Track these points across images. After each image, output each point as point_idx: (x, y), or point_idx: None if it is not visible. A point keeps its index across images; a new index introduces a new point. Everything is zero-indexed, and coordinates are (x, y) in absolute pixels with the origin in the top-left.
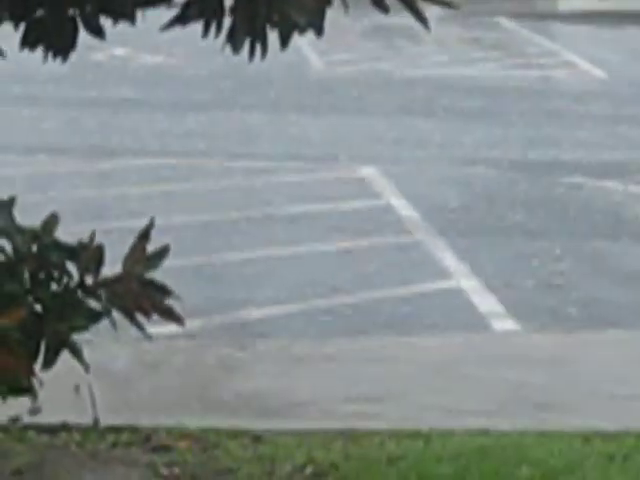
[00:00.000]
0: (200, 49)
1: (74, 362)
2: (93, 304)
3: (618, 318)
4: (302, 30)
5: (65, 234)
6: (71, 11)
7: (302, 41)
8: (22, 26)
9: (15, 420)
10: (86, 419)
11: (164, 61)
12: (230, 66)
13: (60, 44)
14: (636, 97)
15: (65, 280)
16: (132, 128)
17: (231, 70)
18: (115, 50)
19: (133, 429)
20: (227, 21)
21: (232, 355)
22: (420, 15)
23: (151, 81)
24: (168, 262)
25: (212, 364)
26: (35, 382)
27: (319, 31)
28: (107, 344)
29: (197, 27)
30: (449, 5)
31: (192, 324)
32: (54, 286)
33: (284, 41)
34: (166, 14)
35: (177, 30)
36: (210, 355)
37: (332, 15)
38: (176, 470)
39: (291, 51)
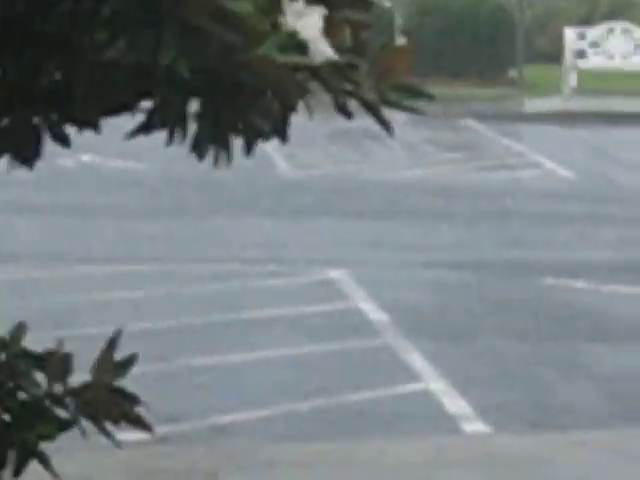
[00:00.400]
0: (168, 155)
1: (43, 470)
2: (61, 412)
3: (589, 420)
4: (267, 137)
5: (32, 342)
6: (36, 120)
7: (268, 145)
8: None
9: None
10: None
11: (132, 167)
12: (197, 171)
13: (26, 153)
14: (603, 196)
15: (33, 389)
16: (99, 234)
17: (198, 175)
18: (82, 156)
19: None
20: (192, 128)
21: (202, 461)
22: (384, 121)
23: (119, 187)
24: (137, 368)
25: (182, 470)
26: None
27: (283, 138)
28: (76, 451)
29: (164, 133)
30: (413, 110)
31: (161, 430)
32: (22, 395)
33: (249, 148)
34: (133, 120)
35: (145, 136)
36: (180, 461)
37: (296, 118)
38: None
39: (258, 155)
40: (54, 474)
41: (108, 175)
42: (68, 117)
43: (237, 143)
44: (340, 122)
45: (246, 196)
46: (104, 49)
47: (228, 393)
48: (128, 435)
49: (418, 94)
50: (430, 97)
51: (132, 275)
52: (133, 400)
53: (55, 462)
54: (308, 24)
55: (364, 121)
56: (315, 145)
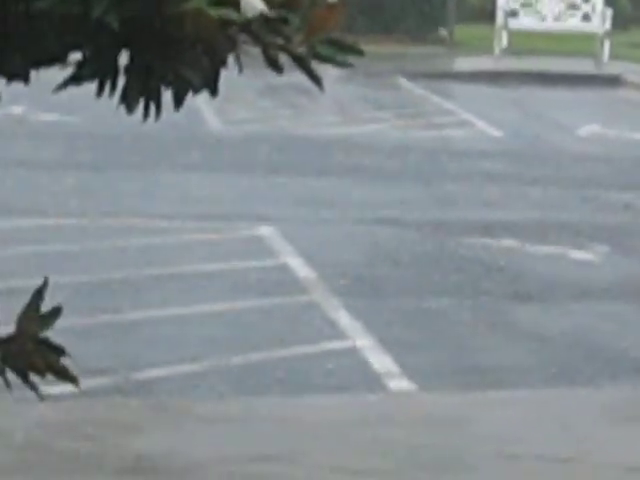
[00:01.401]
0: (99, 108)
1: None
2: None
3: (516, 378)
4: (196, 90)
5: None
6: None
7: (199, 100)
8: None
9: None
10: None
11: (62, 120)
12: (128, 125)
13: None
14: (532, 156)
15: None
16: (28, 188)
17: (129, 129)
18: (11, 108)
19: None
20: (122, 80)
21: (132, 415)
22: (314, 76)
23: (49, 140)
24: (64, 321)
25: (112, 424)
26: None
27: (214, 92)
28: (2, 403)
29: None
30: (343, 64)
31: (90, 383)
32: None
33: (178, 101)
34: (63, 73)
35: (77, 89)
36: (109, 416)
37: (227, 73)
38: None
39: (188, 110)
40: None
41: (38, 128)
42: None
43: (167, 97)
44: (272, 77)
45: (176, 151)
46: (34, 0)
47: (157, 348)
48: (55, 388)
49: (348, 49)
50: (360, 52)
51: (63, 228)
52: (59, 351)
53: None
54: None
55: (296, 77)
56: (246, 100)
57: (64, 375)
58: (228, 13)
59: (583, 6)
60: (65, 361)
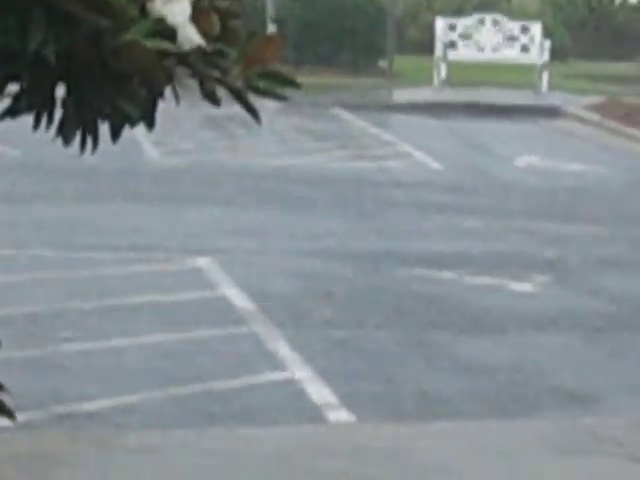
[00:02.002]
0: (38, 139)
1: None
2: None
3: (455, 409)
4: (134, 123)
5: None
6: None
7: (137, 131)
8: None
9: None
10: None
11: (1, 151)
12: (67, 157)
13: None
14: (470, 187)
15: None
16: None
17: (68, 161)
18: None
19: None
20: (59, 113)
21: (66, 448)
22: (252, 109)
23: None
24: (1, 354)
25: (42, 456)
26: None
27: (151, 124)
28: None
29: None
30: (280, 97)
31: (23, 417)
32: None
33: (115, 134)
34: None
35: (16, 120)
36: (40, 447)
37: (165, 105)
38: None
39: (127, 141)
40: None
41: None
42: None
43: (105, 129)
44: (210, 109)
45: (114, 182)
46: None
47: (91, 381)
48: None
49: (285, 82)
50: (297, 85)
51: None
52: None
53: None
54: (176, 10)
55: (234, 108)
56: (184, 132)
57: (1, 410)
58: (164, 45)
59: (521, 37)
60: (2, 395)
